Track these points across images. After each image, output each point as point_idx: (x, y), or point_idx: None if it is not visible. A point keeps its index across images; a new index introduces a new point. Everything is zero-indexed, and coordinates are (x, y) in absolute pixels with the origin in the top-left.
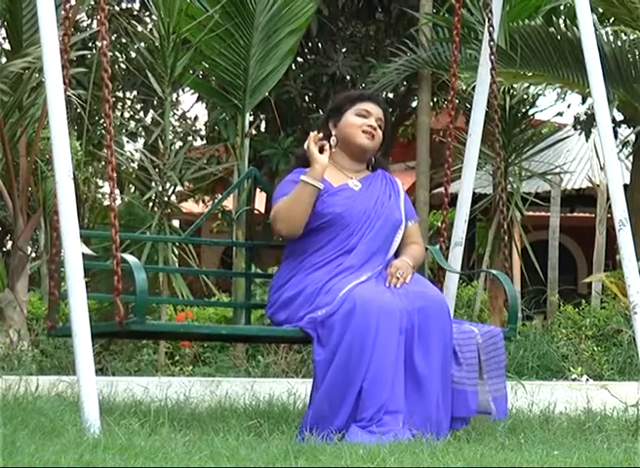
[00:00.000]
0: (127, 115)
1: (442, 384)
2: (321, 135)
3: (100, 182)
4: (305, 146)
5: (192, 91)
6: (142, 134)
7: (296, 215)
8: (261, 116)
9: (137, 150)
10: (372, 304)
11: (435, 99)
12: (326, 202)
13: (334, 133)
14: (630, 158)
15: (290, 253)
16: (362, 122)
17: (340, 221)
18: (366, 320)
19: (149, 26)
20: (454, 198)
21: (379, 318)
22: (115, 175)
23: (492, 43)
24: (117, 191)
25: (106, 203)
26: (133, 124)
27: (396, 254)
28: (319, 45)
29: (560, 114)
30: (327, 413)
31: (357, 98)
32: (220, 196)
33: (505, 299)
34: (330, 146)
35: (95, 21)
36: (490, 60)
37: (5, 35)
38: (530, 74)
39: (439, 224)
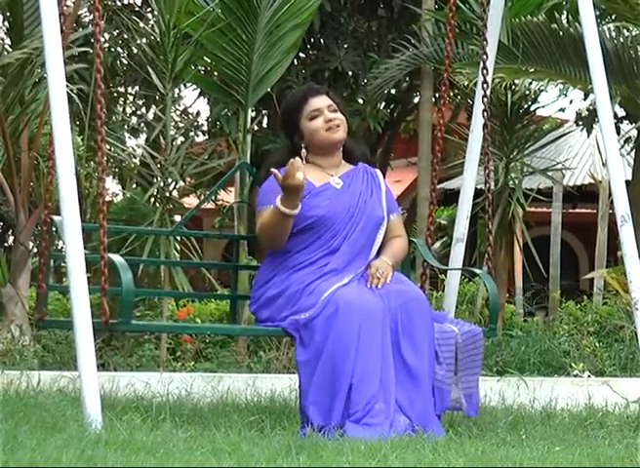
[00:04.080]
0: (129, 111)
1: (429, 377)
2: (303, 161)
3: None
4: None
5: (194, 86)
6: (144, 129)
7: (276, 239)
8: (263, 111)
9: (138, 146)
10: (354, 307)
11: (437, 95)
12: (309, 204)
13: (303, 144)
14: (632, 154)
15: (274, 250)
16: (321, 122)
17: (323, 222)
18: (348, 322)
19: (151, 22)
20: (455, 194)
21: (361, 320)
22: (105, 176)
23: (484, 42)
24: (118, 187)
25: (108, 198)
26: (134, 119)
27: (380, 248)
28: (321, 40)
29: (562, 110)
30: (324, 409)
31: (300, 105)
32: (219, 190)
33: (508, 297)
34: (304, 159)
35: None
36: (481, 60)
37: (6, 30)
38: (532, 70)
39: (439, 221)
